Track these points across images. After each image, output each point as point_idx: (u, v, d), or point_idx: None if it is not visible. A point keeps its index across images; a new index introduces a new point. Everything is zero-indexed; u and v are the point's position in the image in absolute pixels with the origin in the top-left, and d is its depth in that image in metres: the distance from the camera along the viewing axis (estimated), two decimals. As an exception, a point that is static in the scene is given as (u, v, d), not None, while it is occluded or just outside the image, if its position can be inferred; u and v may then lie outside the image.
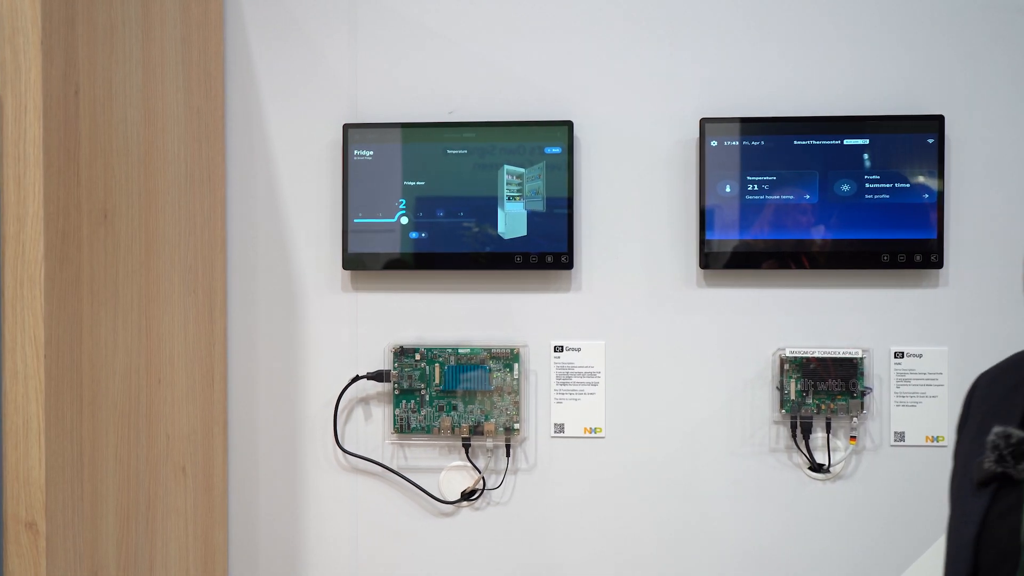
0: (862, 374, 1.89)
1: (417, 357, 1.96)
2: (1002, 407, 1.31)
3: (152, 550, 1.71)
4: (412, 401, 1.96)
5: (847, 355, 1.90)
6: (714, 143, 1.90)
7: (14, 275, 1.41)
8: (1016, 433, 1.25)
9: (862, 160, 1.88)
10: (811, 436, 1.92)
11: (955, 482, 1.36)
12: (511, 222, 1.94)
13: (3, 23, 1.40)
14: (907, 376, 1.88)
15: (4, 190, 1.41)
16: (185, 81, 1.83)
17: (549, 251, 1.93)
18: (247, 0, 2.01)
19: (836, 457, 1.92)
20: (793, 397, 1.90)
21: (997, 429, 1.27)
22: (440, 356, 1.96)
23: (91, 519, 1.53)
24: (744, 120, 1.90)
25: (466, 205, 1.94)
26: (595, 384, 1.97)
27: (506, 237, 1.94)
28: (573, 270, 1.96)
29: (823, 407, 1.90)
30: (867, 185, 1.88)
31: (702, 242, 1.91)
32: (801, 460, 1.93)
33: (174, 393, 1.79)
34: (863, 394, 1.89)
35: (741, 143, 1.90)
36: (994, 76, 1.89)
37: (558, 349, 1.97)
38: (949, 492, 1.43)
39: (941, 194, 1.86)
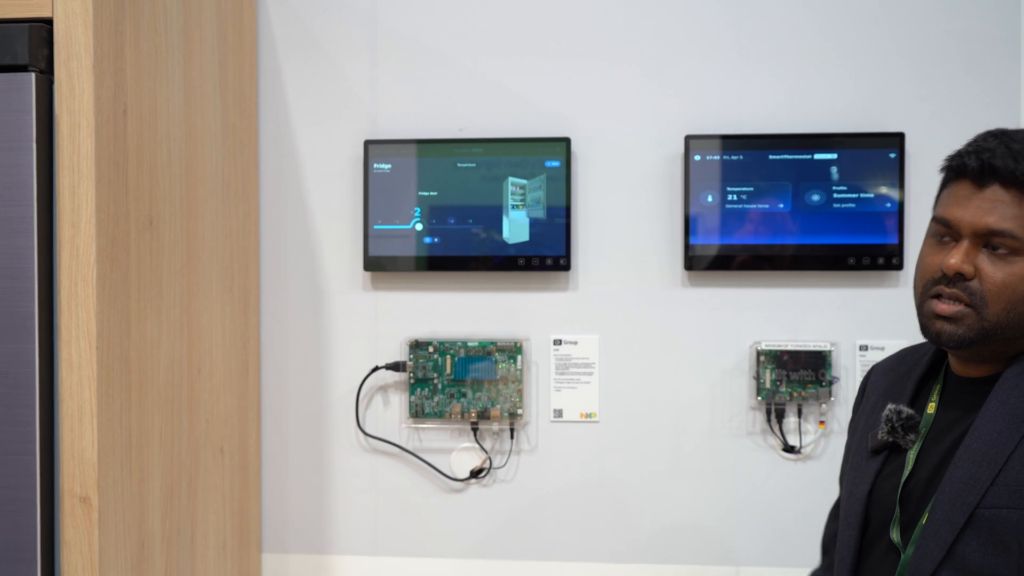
0: (830, 365, 1.89)
1: (430, 349, 1.96)
2: (895, 390, 1.38)
3: (193, 522, 1.72)
4: (426, 389, 1.96)
5: (817, 348, 1.89)
6: (697, 158, 1.90)
7: (69, 275, 1.41)
8: (906, 410, 1.32)
9: (830, 173, 1.88)
10: (784, 421, 1.92)
11: (851, 451, 1.42)
12: (515, 228, 1.94)
13: (59, 50, 1.40)
14: (869, 366, 1.88)
15: (60, 199, 1.41)
16: (222, 101, 1.84)
17: (549, 254, 1.93)
18: (278, 28, 2.02)
19: (806, 440, 1.92)
20: (768, 386, 1.90)
21: (891, 406, 1.34)
22: (451, 349, 1.96)
23: (138, 494, 1.53)
24: (724, 137, 1.90)
25: (474, 213, 1.94)
26: (590, 374, 1.97)
27: (510, 242, 1.94)
28: (570, 271, 1.96)
29: (795, 395, 1.90)
30: (835, 195, 1.88)
31: (686, 246, 1.91)
32: (775, 442, 1.93)
33: (213, 382, 1.79)
34: (831, 383, 1.89)
35: (722, 158, 1.90)
36: (950, 96, 1.89)
37: (557, 342, 1.97)
38: (844, 459, 1.49)
39: (901, 203, 1.86)
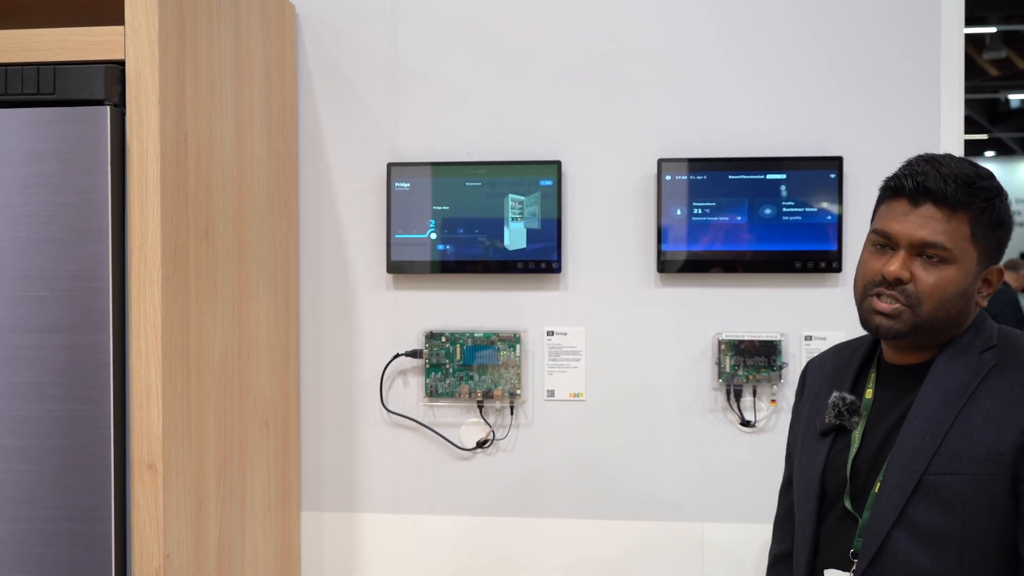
0: (780, 352, 1.89)
1: (443, 339, 1.96)
2: (836, 379, 1.38)
3: (243, 485, 1.72)
4: (439, 373, 1.96)
5: (769, 338, 1.89)
6: (668, 177, 1.90)
7: (138, 277, 1.41)
8: (849, 396, 1.33)
9: (780, 191, 1.88)
10: (741, 399, 1.92)
11: (800, 434, 1.41)
12: (514, 237, 1.93)
13: (130, 87, 1.41)
14: (815, 353, 1.88)
15: (130, 213, 1.41)
16: (267, 130, 1.84)
17: (543, 259, 1.93)
18: (314, 68, 2.01)
19: (760, 415, 1.92)
20: (728, 370, 1.90)
21: (836, 393, 1.34)
22: (460, 339, 1.96)
23: (197, 461, 1.54)
24: (691, 160, 1.90)
25: (480, 224, 1.94)
26: (578, 360, 1.97)
27: (510, 248, 1.93)
28: (561, 274, 1.96)
29: (750, 377, 1.90)
30: (784, 209, 1.88)
31: (659, 252, 1.91)
32: (734, 418, 1.93)
33: (259, 366, 1.80)
34: (781, 368, 1.89)
35: (689, 177, 1.90)
36: (880, 125, 1.88)
37: (550, 333, 1.97)
38: (790, 441, 1.48)
39: (840, 216, 1.86)
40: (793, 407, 1.51)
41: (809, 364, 1.50)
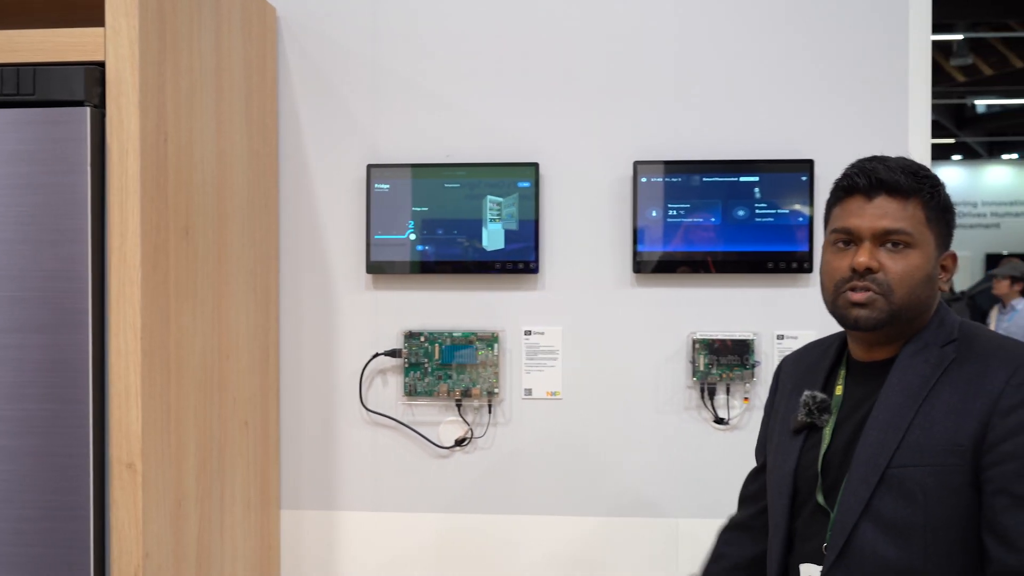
0: (753, 351, 1.91)
1: (422, 339, 1.96)
2: (808, 378, 1.39)
3: (222, 484, 1.71)
4: (418, 372, 1.97)
5: (742, 337, 1.91)
6: (644, 179, 1.91)
7: (118, 277, 1.41)
8: (819, 395, 1.34)
9: (753, 193, 1.90)
10: (715, 397, 1.93)
11: (774, 431, 1.43)
12: (492, 238, 1.94)
13: (110, 88, 1.40)
14: (786, 352, 1.89)
15: (110, 213, 1.40)
16: (248, 131, 1.83)
17: (521, 260, 1.94)
18: (295, 70, 2.01)
19: (733, 413, 1.94)
20: (702, 368, 1.91)
21: (807, 392, 1.35)
22: (439, 338, 1.96)
23: (176, 460, 1.53)
24: (666, 162, 1.91)
25: (459, 225, 1.94)
26: (555, 359, 1.97)
27: (488, 249, 1.94)
28: (539, 274, 1.97)
29: (724, 376, 1.91)
30: (757, 211, 1.89)
31: (635, 253, 1.92)
32: (708, 415, 1.94)
33: (239, 366, 1.79)
34: (753, 366, 1.91)
35: (664, 179, 1.91)
36: (850, 130, 1.91)
37: (527, 333, 1.98)
38: (761, 436, 1.50)
39: (811, 218, 1.88)
40: (766, 403, 1.53)
41: (783, 362, 1.51)
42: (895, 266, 1.25)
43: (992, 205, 12.71)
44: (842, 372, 1.36)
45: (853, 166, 1.31)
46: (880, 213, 1.26)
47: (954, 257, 1.32)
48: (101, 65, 1.40)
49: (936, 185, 1.28)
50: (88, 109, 1.38)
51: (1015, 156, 13.10)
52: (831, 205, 1.34)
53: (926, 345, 1.27)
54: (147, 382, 1.42)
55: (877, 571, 1.22)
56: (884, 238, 1.26)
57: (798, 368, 1.45)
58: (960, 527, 1.20)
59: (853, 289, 1.27)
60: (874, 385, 1.30)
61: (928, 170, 1.30)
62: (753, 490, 1.51)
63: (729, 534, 1.53)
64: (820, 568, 1.27)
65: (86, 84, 1.38)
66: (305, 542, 2.02)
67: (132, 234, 1.40)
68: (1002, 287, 6.27)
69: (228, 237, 1.73)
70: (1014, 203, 12.72)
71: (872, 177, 1.27)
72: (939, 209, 1.28)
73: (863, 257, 1.25)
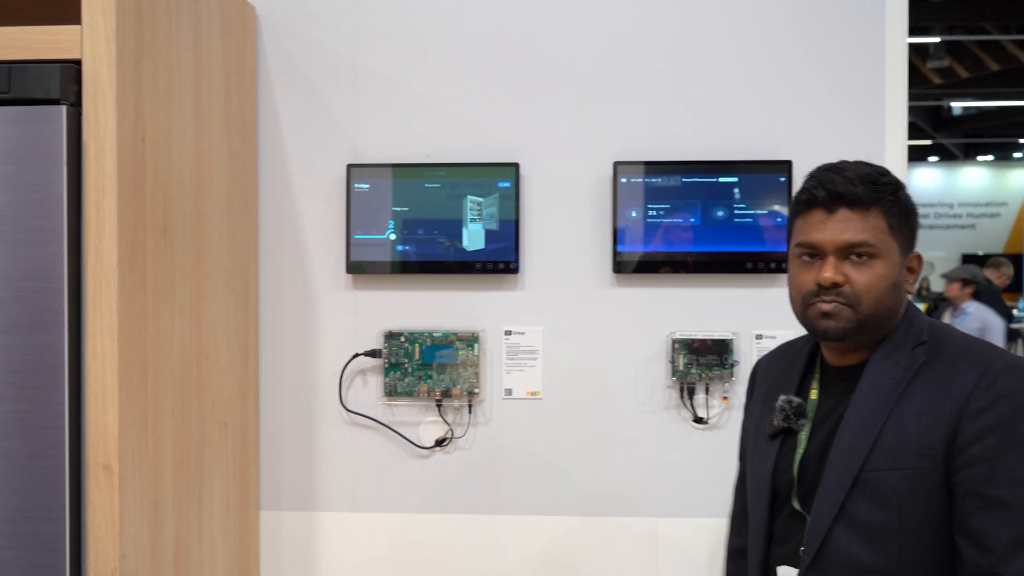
0: (732, 351, 1.91)
1: (402, 339, 1.96)
2: (783, 381, 1.39)
3: (201, 485, 1.70)
4: (398, 372, 1.96)
5: (721, 337, 1.92)
6: (624, 180, 1.92)
7: (95, 277, 1.39)
8: (795, 399, 1.34)
9: (732, 193, 1.90)
10: (694, 397, 1.94)
11: (751, 435, 1.43)
12: (473, 238, 1.94)
13: (87, 86, 1.38)
14: (765, 351, 1.90)
15: (87, 213, 1.39)
16: (227, 130, 1.82)
17: (501, 260, 1.93)
18: (274, 69, 2.00)
19: (712, 412, 1.94)
20: (681, 368, 1.92)
21: (783, 397, 1.35)
22: (419, 338, 1.95)
23: (154, 462, 1.51)
24: (647, 163, 1.92)
25: (439, 225, 1.94)
26: (535, 359, 1.97)
27: (469, 249, 1.94)
28: (519, 274, 1.96)
29: (703, 375, 1.92)
30: (736, 212, 1.90)
31: (615, 253, 1.93)
32: (687, 415, 1.95)
33: (218, 367, 1.77)
34: (733, 366, 1.92)
35: (644, 180, 1.91)
36: (828, 131, 1.92)
37: (508, 333, 1.98)
38: (742, 440, 1.50)
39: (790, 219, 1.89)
40: (744, 406, 1.53)
41: (758, 364, 1.52)
42: (860, 278, 1.26)
43: (968, 206, 12.85)
44: (816, 375, 1.37)
45: (811, 178, 1.30)
46: (842, 227, 1.26)
47: (919, 258, 1.32)
48: (77, 63, 1.39)
49: (896, 191, 1.27)
50: (64, 107, 1.36)
51: (991, 158, 13.25)
52: (792, 218, 1.34)
53: (896, 348, 1.28)
54: (124, 383, 1.41)
55: (852, 574, 1.22)
56: (848, 251, 1.26)
57: (772, 370, 1.45)
58: (933, 529, 1.21)
59: (821, 301, 1.27)
60: (847, 390, 1.30)
61: (888, 174, 1.29)
62: (741, 503, 1.49)
63: (735, 564, 1.50)
64: (797, 571, 1.27)
65: (62, 82, 1.37)
66: (285, 543, 2.01)
67: (109, 234, 1.38)
68: (953, 290, 6.26)
69: (207, 237, 1.72)
70: (989, 204, 12.87)
71: (831, 190, 1.26)
72: (901, 215, 1.28)
73: (828, 272, 1.26)
